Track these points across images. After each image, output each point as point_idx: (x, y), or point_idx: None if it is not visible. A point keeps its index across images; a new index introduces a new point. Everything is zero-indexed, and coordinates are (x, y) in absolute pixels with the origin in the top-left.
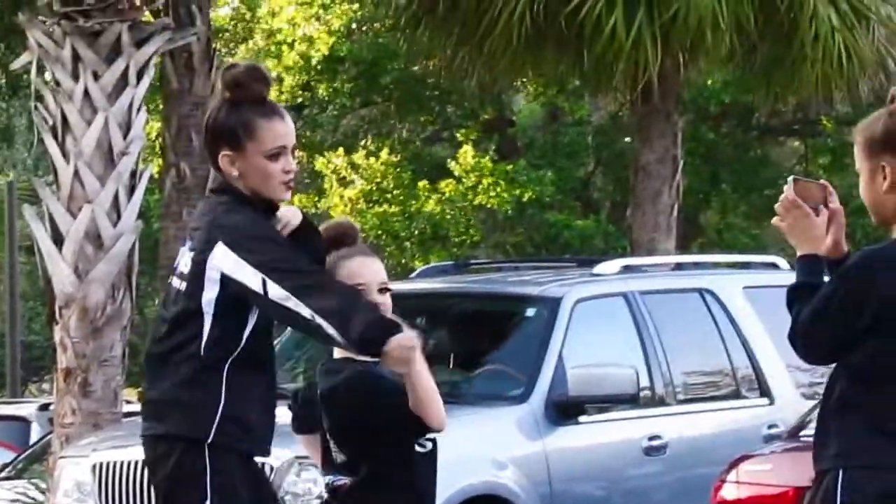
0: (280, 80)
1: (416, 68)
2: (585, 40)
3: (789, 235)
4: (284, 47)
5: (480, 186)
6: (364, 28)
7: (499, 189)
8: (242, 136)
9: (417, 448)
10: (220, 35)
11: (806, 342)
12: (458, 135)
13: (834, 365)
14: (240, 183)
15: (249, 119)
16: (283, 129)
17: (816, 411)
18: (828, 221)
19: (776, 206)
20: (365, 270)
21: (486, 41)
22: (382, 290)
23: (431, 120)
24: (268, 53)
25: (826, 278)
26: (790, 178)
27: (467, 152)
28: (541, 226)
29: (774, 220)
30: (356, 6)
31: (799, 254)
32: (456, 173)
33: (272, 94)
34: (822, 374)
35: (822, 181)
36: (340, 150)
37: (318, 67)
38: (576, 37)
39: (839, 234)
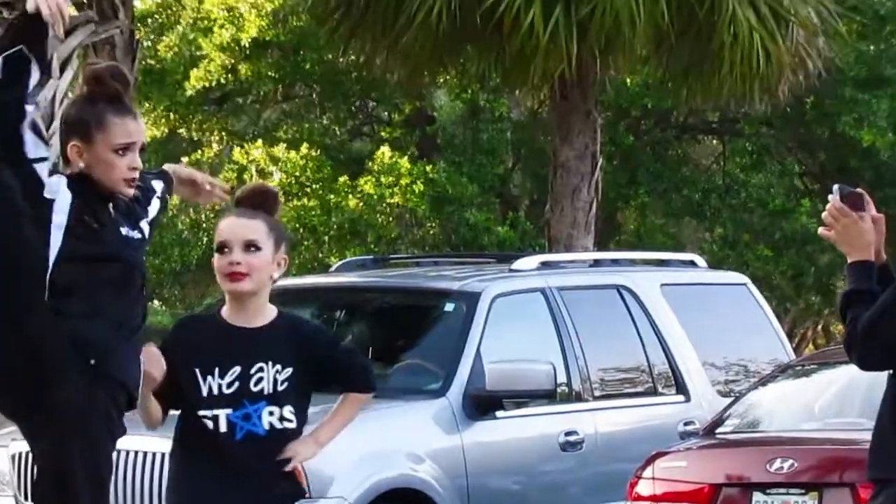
0: (209, 59)
1: (340, 59)
2: (504, 36)
3: (839, 244)
4: (215, 27)
5: (397, 187)
6: (289, 16)
7: (416, 188)
8: (93, 129)
9: None
10: (145, 22)
11: (865, 347)
12: (382, 132)
13: (890, 371)
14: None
15: (102, 113)
16: (134, 127)
17: (733, 408)
18: None
19: (823, 214)
20: (227, 228)
21: (404, 37)
22: (249, 248)
23: (353, 113)
24: (196, 29)
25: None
26: (835, 187)
27: (384, 153)
28: (459, 224)
29: (821, 230)
30: None
31: (850, 260)
32: (375, 170)
33: (199, 74)
34: (737, 372)
35: (859, 189)
36: (259, 142)
37: (247, 52)
38: (494, 33)
39: (879, 242)
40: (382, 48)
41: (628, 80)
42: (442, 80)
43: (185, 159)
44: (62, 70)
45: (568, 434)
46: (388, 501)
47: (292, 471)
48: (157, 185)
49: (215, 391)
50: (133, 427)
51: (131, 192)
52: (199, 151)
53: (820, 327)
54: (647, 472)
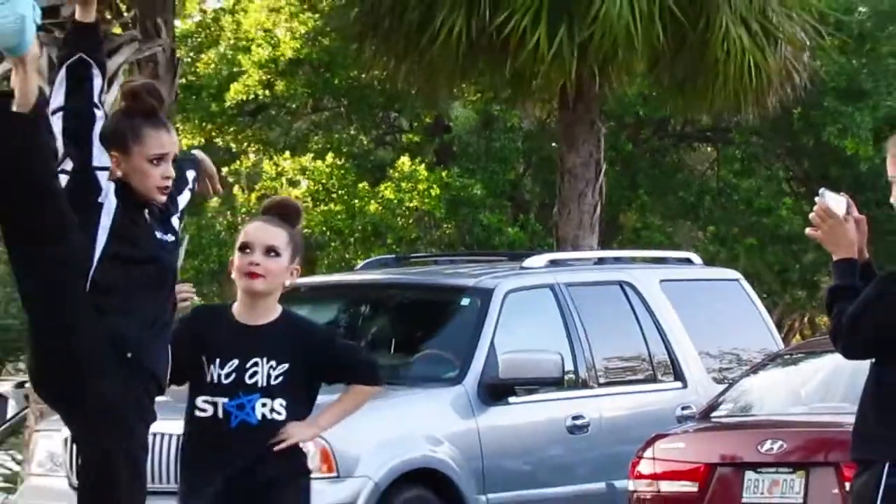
0: (248, 75)
1: (364, 76)
2: (511, 52)
3: (826, 243)
4: (254, 45)
5: (415, 191)
6: (319, 36)
7: (433, 192)
8: (130, 141)
9: None
10: (186, 41)
11: (849, 338)
12: (403, 139)
13: (872, 361)
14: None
15: (138, 126)
16: (167, 139)
17: (727, 394)
18: None
19: (810, 216)
20: (252, 231)
21: (427, 55)
22: (269, 253)
23: (377, 124)
24: (236, 49)
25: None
26: (821, 190)
27: (404, 162)
28: (473, 225)
29: (808, 230)
30: (317, 16)
31: (835, 258)
32: (396, 177)
33: (238, 88)
34: (730, 360)
35: (842, 194)
36: (287, 153)
37: (282, 70)
38: (502, 50)
39: (862, 241)
40: (406, 64)
41: (627, 91)
42: (459, 93)
43: (224, 169)
44: (109, 85)
45: (575, 418)
46: (410, 481)
47: (289, 450)
48: (190, 175)
49: (215, 380)
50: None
51: (164, 198)
52: (238, 161)
53: (806, 319)
54: (648, 453)
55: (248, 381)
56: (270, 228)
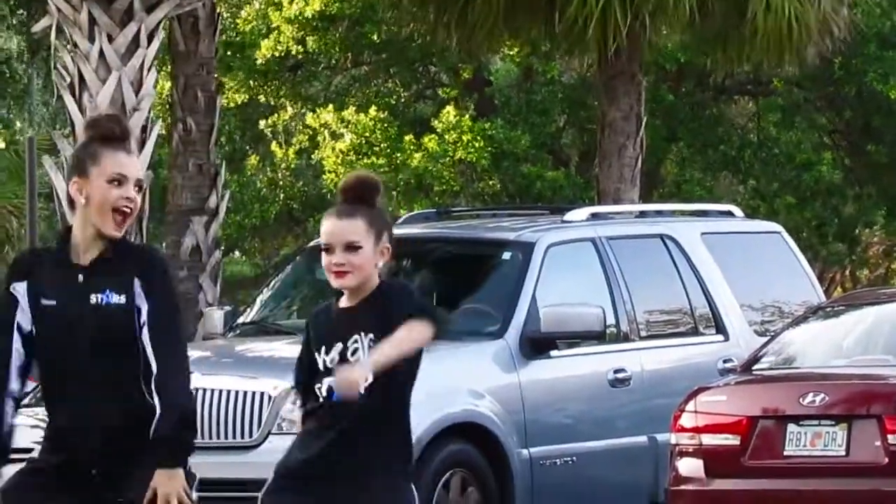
0: (279, 31)
1: (403, 30)
2: (557, 6)
3: None
4: (285, 1)
5: (460, 143)
6: None
7: (477, 144)
8: (89, 164)
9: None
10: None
11: None
12: (440, 93)
13: None
14: (85, 211)
15: (96, 149)
16: (126, 160)
17: (768, 346)
18: None
19: None
20: (329, 231)
21: (468, 10)
22: (349, 249)
23: (417, 78)
24: (269, 4)
25: None
26: None
27: (449, 112)
28: (515, 177)
29: None
30: None
31: None
32: (439, 130)
33: (269, 44)
34: (772, 313)
35: None
36: (330, 106)
37: (314, 24)
38: (548, 3)
39: None
40: (446, 20)
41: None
42: (499, 47)
43: (262, 122)
44: (150, 40)
45: (616, 371)
46: (452, 434)
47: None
48: None
49: (322, 366)
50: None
51: (119, 232)
52: (276, 115)
53: (847, 272)
54: (690, 406)
55: (351, 359)
56: (346, 224)
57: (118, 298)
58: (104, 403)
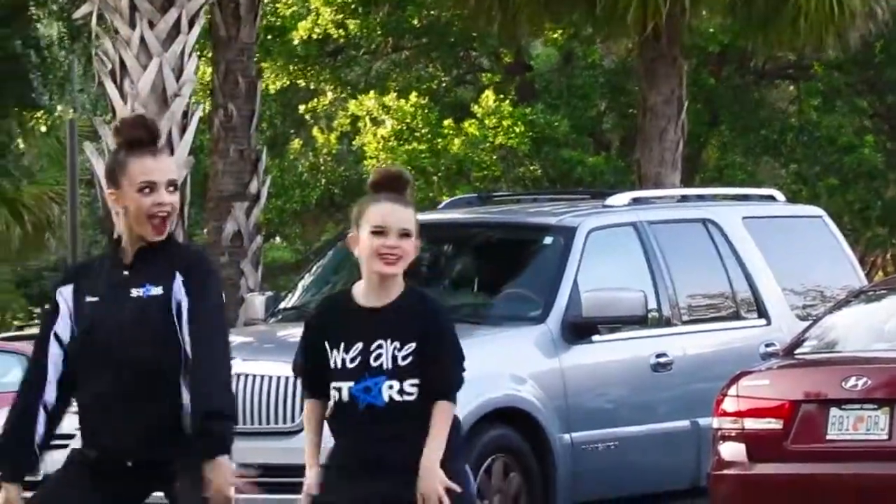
0: (317, 13)
1: (444, 14)
2: None
3: None
4: None
5: (500, 128)
6: None
7: (517, 129)
8: (119, 174)
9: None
10: None
11: None
12: (481, 78)
13: None
14: (126, 219)
15: (123, 158)
16: (153, 166)
17: (810, 330)
18: None
19: None
20: (385, 214)
21: None
22: (403, 236)
23: (458, 62)
24: None
25: None
26: None
27: (489, 97)
28: (556, 162)
29: None
30: None
31: None
32: (478, 115)
33: (306, 25)
34: (814, 297)
35: None
36: (372, 93)
37: (353, 7)
38: None
39: None
40: (488, 3)
41: (709, 28)
42: (541, 31)
43: (301, 107)
44: (190, 26)
45: (658, 356)
46: (494, 419)
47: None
48: None
49: (340, 365)
50: (260, 354)
51: (157, 235)
52: (315, 100)
53: (889, 256)
54: (732, 391)
55: (374, 364)
56: (403, 211)
57: (156, 290)
58: (140, 399)
